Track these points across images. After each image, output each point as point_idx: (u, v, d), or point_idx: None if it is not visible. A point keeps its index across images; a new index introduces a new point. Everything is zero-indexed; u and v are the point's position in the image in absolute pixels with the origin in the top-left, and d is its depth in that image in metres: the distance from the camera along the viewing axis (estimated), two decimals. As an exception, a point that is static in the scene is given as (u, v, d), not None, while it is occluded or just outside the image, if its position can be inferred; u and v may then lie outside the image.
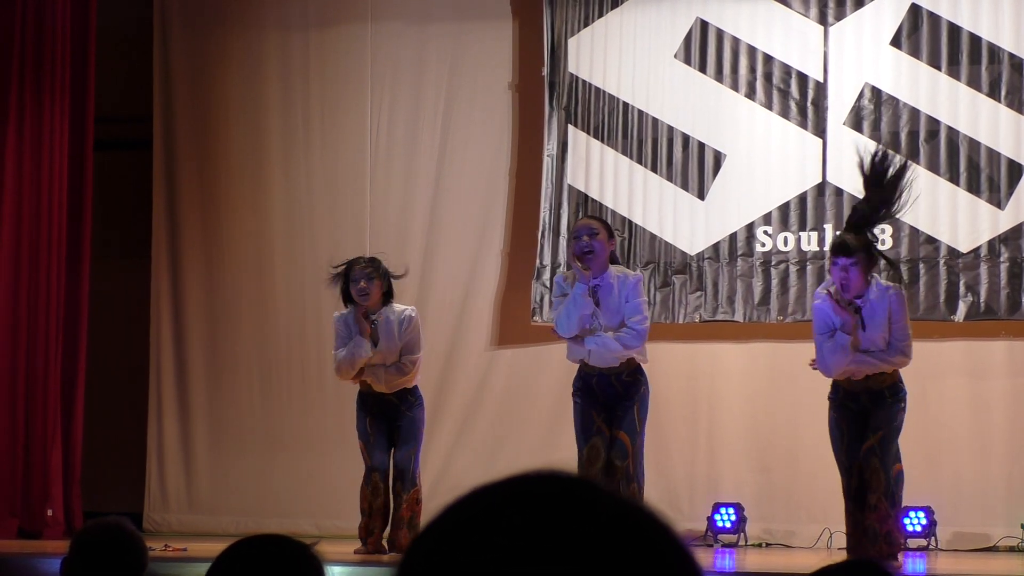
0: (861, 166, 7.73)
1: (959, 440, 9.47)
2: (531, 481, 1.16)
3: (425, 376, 8.58)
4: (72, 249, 10.22)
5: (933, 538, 9.10)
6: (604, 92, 10.12)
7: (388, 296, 8.35)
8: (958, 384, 9.51)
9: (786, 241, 9.80)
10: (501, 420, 10.15)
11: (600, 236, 7.77)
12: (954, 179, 9.56)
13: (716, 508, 9.46)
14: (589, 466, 7.60)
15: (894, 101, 9.68)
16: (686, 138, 9.97)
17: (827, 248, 8.76)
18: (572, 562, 1.10)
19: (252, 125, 10.80)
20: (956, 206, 9.54)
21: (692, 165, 9.96)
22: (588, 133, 10.12)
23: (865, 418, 7.48)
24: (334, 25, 10.73)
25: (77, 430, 10.22)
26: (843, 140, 9.60)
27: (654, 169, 10.00)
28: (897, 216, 8.12)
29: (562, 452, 8.32)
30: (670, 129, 9.99)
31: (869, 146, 8.76)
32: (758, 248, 9.83)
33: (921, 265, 9.54)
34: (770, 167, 9.84)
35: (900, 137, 9.60)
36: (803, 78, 9.83)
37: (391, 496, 8.24)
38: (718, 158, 9.92)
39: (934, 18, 9.66)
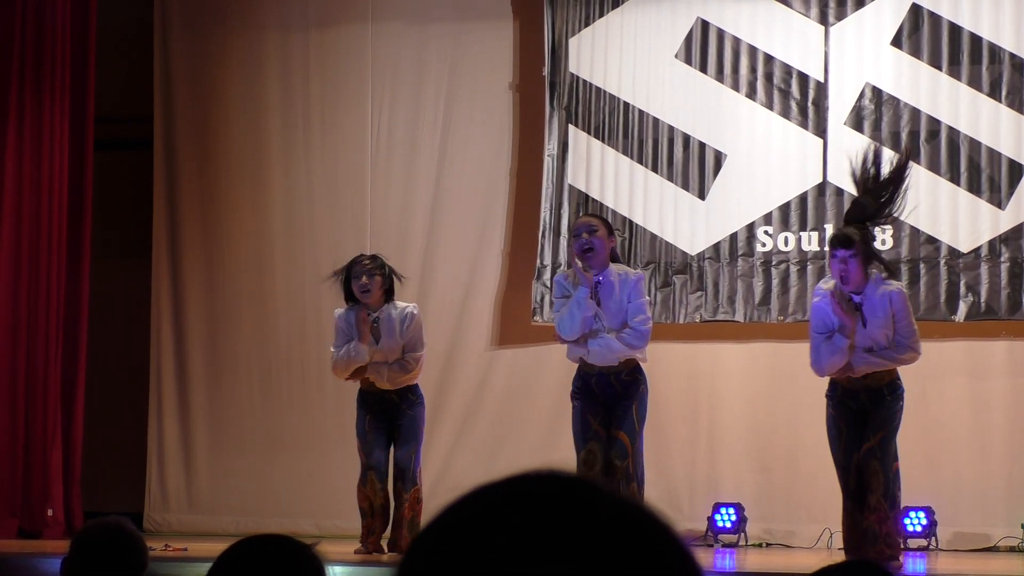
0: (853, 175, 7.73)
1: (959, 440, 9.47)
2: (531, 481, 1.16)
3: (425, 376, 8.57)
4: (72, 249, 10.21)
5: (933, 538, 9.10)
6: (605, 92, 10.12)
7: (389, 294, 8.35)
8: (958, 384, 9.51)
9: (787, 241, 9.80)
10: (501, 420, 10.15)
11: (599, 233, 7.77)
12: (955, 179, 9.56)
13: (716, 508, 9.47)
14: (586, 471, 7.58)
15: (895, 101, 9.68)
16: (687, 138, 9.97)
17: (827, 246, 8.75)
18: (572, 562, 1.10)
19: (252, 125, 10.79)
20: (957, 206, 9.54)
21: (693, 165, 9.96)
22: (589, 133, 10.12)
23: (864, 417, 7.46)
24: (334, 25, 10.73)
25: (77, 430, 10.21)
26: (844, 140, 9.60)
27: (655, 169, 10.00)
28: (896, 215, 8.12)
29: (562, 452, 8.31)
30: (671, 129, 9.99)
31: (868, 147, 8.75)
32: (759, 248, 9.83)
33: (922, 265, 9.54)
34: (771, 167, 9.84)
35: (901, 137, 9.60)
36: (804, 78, 9.83)
37: (391, 496, 8.24)
38: (719, 158, 9.92)
39: (935, 18, 9.65)
